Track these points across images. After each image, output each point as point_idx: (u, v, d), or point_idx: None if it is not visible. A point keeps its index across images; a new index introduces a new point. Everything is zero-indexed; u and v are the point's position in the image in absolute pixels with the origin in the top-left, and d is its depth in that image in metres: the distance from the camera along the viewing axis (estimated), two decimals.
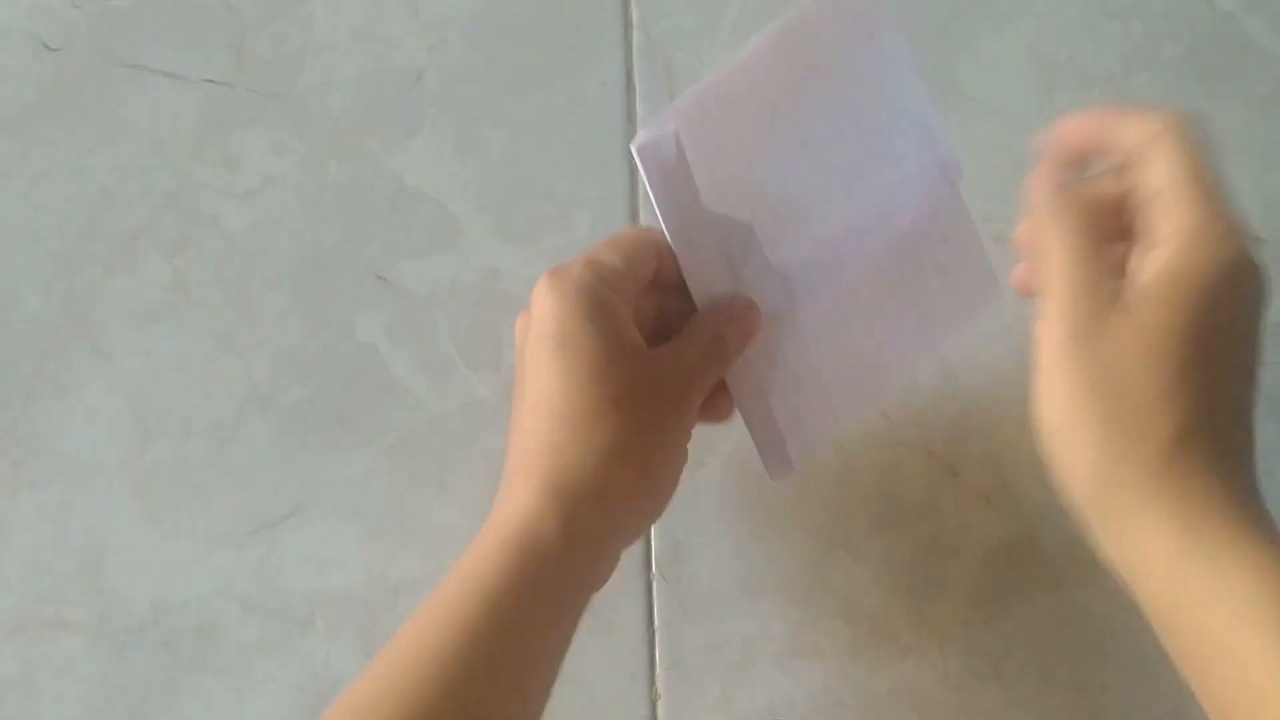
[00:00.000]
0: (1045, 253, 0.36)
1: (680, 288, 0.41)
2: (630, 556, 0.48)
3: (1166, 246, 0.34)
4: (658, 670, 0.48)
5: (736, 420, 0.43)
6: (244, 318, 0.51)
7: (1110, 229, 0.36)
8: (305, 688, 0.47)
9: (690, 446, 0.41)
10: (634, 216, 0.51)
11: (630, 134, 0.52)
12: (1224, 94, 0.52)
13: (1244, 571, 0.31)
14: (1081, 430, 0.33)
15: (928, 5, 0.53)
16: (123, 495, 0.49)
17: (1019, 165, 0.52)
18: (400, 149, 0.52)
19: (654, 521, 0.42)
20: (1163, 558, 0.32)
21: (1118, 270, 0.35)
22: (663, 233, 0.41)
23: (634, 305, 0.41)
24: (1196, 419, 0.32)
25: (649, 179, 0.40)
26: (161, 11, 0.53)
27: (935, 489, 0.47)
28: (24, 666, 0.48)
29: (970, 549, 0.48)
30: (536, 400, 0.39)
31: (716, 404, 0.42)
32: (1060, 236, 0.35)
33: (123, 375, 0.50)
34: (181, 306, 0.51)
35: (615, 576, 0.46)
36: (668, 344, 0.40)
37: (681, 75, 0.52)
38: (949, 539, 0.48)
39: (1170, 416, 0.33)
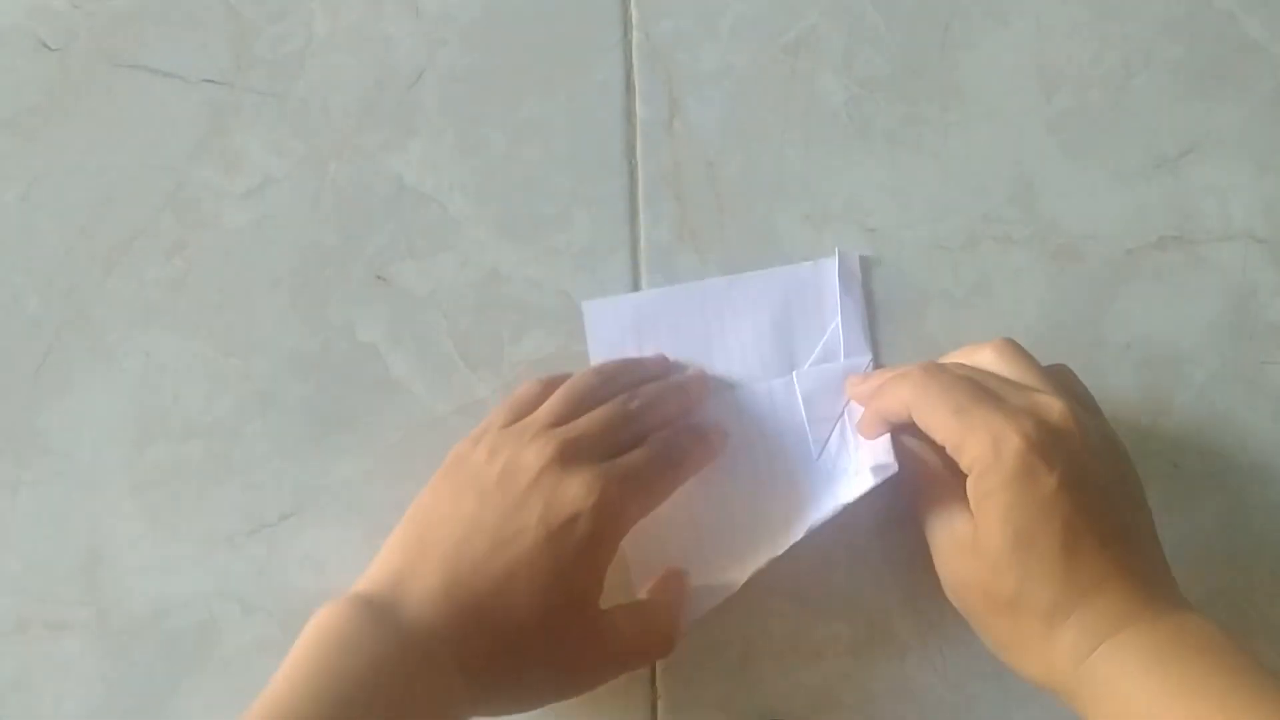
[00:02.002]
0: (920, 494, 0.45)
1: None
2: None
3: (968, 481, 0.41)
4: (658, 670, 0.48)
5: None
6: (244, 318, 0.51)
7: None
8: None
9: None
10: (634, 216, 0.51)
11: (630, 134, 0.52)
12: (1224, 94, 0.52)
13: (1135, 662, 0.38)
14: (980, 617, 0.42)
15: (928, 5, 0.53)
16: (123, 495, 0.49)
17: (1019, 165, 0.52)
18: (400, 149, 0.52)
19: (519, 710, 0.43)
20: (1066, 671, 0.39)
21: None
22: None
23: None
24: (1056, 595, 0.39)
25: (591, 334, 0.49)
26: (161, 11, 0.53)
27: None
28: (24, 666, 0.48)
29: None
30: (499, 535, 0.41)
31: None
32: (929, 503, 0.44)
33: (123, 375, 0.50)
34: (181, 306, 0.51)
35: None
36: (613, 618, 0.43)
37: (681, 75, 0.52)
38: None
39: (1038, 599, 0.40)
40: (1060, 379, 0.44)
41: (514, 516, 0.41)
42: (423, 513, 0.43)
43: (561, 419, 0.44)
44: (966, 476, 0.41)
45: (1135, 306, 0.50)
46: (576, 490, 0.41)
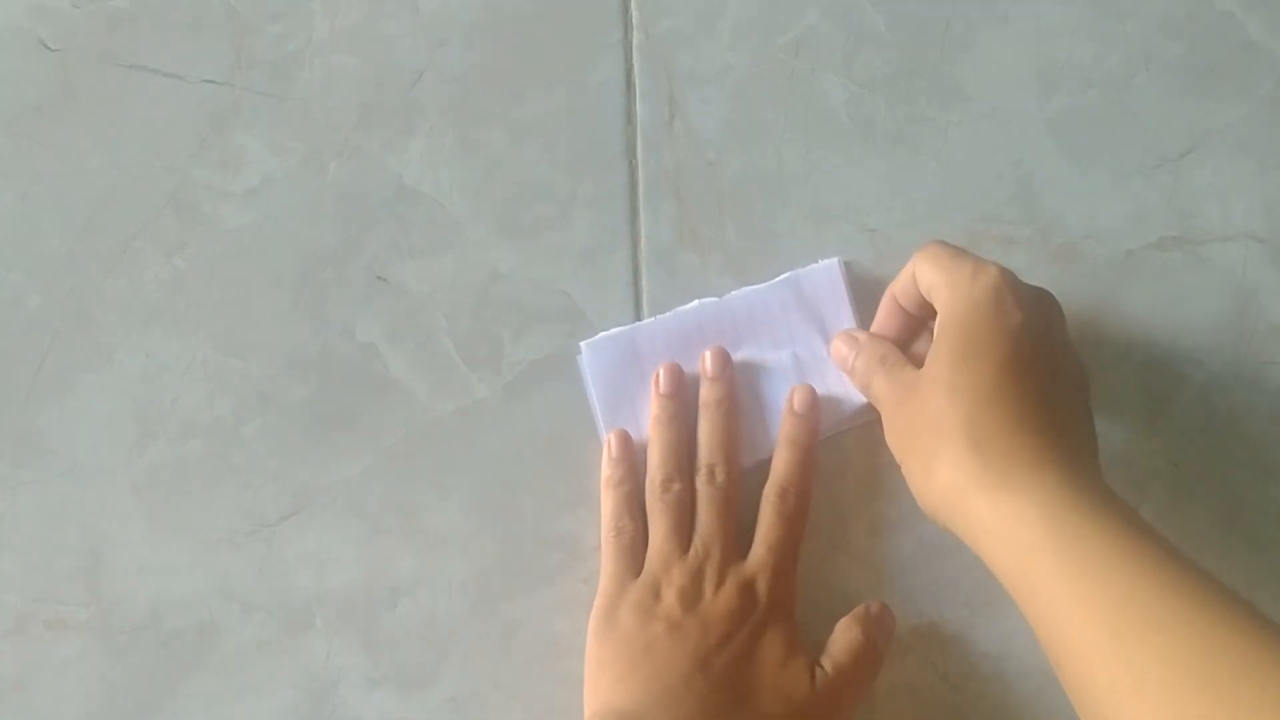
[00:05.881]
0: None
1: None
2: None
3: (938, 310, 0.43)
4: None
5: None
6: (244, 318, 0.51)
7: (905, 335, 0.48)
8: (305, 688, 0.47)
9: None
10: (634, 217, 0.51)
11: (630, 134, 0.52)
12: (1224, 94, 0.52)
13: (1031, 511, 0.39)
14: (912, 449, 0.43)
15: (928, 5, 0.53)
16: (123, 495, 0.49)
17: (1018, 165, 0.52)
18: (400, 149, 0.52)
19: None
20: (992, 526, 0.40)
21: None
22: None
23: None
24: (974, 413, 0.41)
25: (591, 373, 0.49)
26: (161, 11, 0.53)
27: None
28: (24, 666, 0.48)
29: (970, 549, 0.48)
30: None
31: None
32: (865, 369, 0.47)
33: (123, 375, 0.50)
34: (181, 306, 0.51)
35: None
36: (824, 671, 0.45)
37: (681, 75, 0.52)
38: (949, 539, 0.48)
39: (956, 415, 0.41)
40: None
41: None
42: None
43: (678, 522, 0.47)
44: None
45: (1135, 306, 0.50)
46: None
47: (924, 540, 0.48)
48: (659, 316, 0.50)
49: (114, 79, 0.52)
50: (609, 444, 0.48)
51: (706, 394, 0.48)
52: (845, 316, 0.49)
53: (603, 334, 0.50)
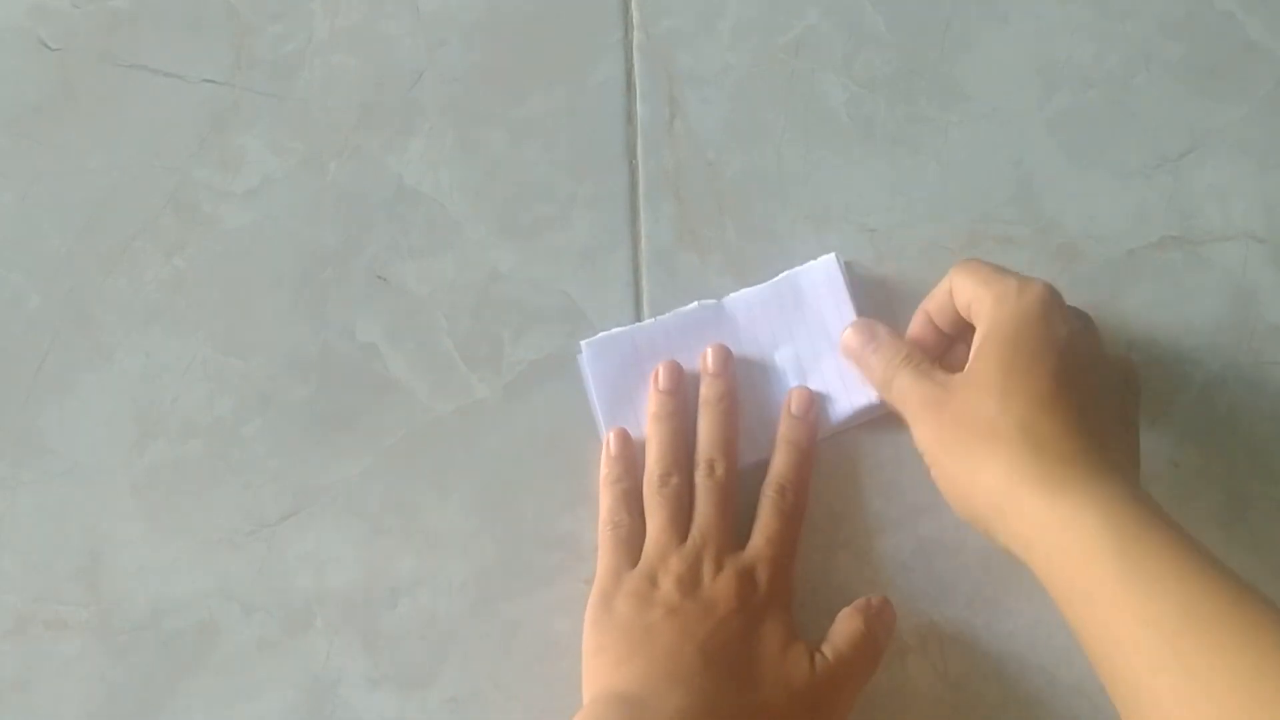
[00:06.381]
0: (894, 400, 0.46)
1: None
2: None
3: (978, 323, 0.44)
4: None
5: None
6: (244, 318, 0.51)
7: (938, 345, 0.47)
8: (305, 688, 0.47)
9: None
10: (634, 217, 0.51)
11: (630, 134, 0.52)
12: (1224, 94, 0.52)
13: (1092, 517, 0.38)
14: (952, 452, 0.42)
15: (928, 5, 0.53)
16: (123, 495, 0.49)
17: (1018, 165, 0.52)
18: (400, 149, 0.52)
19: None
20: (1038, 528, 0.39)
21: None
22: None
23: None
24: (1030, 418, 0.41)
25: (591, 372, 0.49)
26: (161, 11, 0.53)
27: (936, 489, 0.47)
28: (24, 666, 0.48)
29: (971, 549, 0.48)
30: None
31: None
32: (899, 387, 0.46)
33: (123, 375, 0.50)
34: (181, 306, 0.51)
35: None
36: (823, 657, 0.45)
37: (681, 75, 0.52)
38: (949, 539, 0.48)
39: (1010, 419, 0.41)
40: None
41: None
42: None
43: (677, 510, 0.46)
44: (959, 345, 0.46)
45: (1135, 306, 0.50)
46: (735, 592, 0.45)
47: (924, 540, 0.48)
48: (659, 317, 0.50)
49: (114, 79, 0.52)
50: (608, 442, 0.48)
51: (708, 390, 0.48)
52: (846, 311, 0.49)
53: (603, 334, 0.50)
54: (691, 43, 0.53)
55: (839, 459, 0.49)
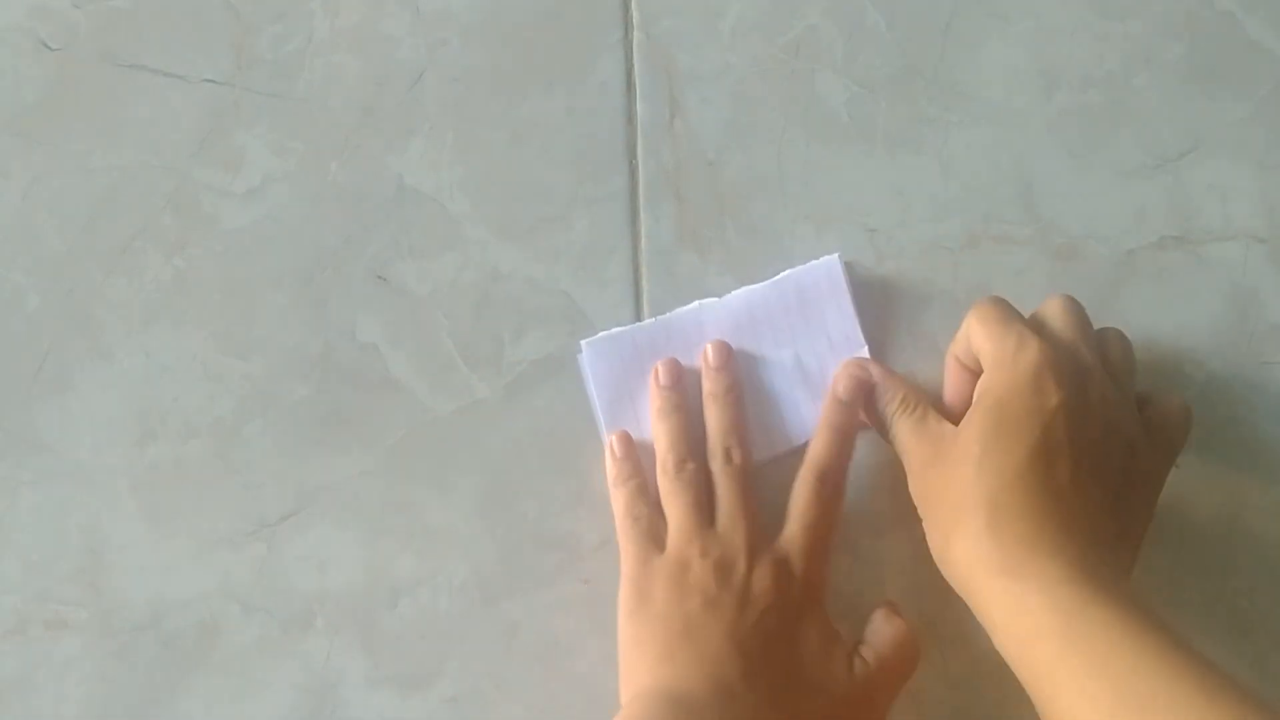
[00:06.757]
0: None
1: None
2: None
3: (981, 377, 0.44)
4: None
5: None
6: (244, 318, 0.51)
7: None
8: (305, 688, 0.47)
9: None
10: (634, 216, 0.51)
11: (630, 134, 0.52)
12: (1224, 94, 0.52)
13: (1036, 598, 0.39)
14: (935, 514, 0.43)
15: (928, 5, 0.53)
16: (123, 495, 0.49)
17: (1019, 165, 0.52)
18: (400, 149, 0.52)
19: None
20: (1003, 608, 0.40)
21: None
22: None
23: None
24: (997, 493, 0.41)
25: (591, 372, 0.49)
26: (161, 11, 0.53)
27: None
28: (24, 666, 0.48)
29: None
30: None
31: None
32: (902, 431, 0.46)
33: (123, 375, 0.50)
34: (181, 306, 0.51)
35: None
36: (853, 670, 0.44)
37: (681, 75, 0.52)
38: None
39: (979, 492, 0.41)
40: (1106, 341, 0.45)
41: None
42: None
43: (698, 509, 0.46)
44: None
45: (1135, 306, 0.50)
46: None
47: (923, 541, 0.48)
48: (659, 317, 0.50)
49: (114, 79, 0.52)
50: (611, 445, 0.48)
51: (712, 384, 0.48)
52: (847, 312, 0.49)
53: (603, 334, 0.50)
54: (691, 43, 0.53)
55: None
